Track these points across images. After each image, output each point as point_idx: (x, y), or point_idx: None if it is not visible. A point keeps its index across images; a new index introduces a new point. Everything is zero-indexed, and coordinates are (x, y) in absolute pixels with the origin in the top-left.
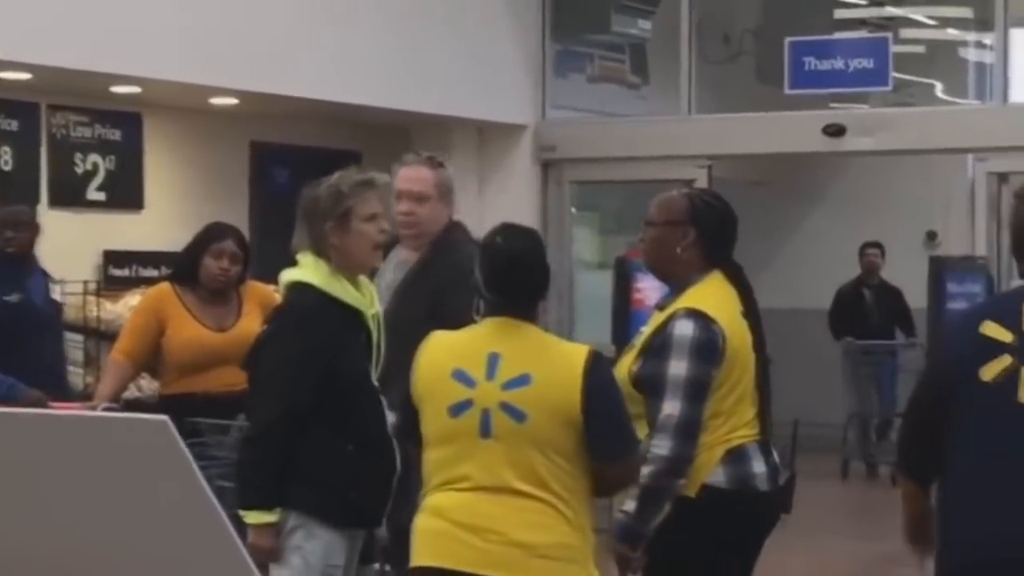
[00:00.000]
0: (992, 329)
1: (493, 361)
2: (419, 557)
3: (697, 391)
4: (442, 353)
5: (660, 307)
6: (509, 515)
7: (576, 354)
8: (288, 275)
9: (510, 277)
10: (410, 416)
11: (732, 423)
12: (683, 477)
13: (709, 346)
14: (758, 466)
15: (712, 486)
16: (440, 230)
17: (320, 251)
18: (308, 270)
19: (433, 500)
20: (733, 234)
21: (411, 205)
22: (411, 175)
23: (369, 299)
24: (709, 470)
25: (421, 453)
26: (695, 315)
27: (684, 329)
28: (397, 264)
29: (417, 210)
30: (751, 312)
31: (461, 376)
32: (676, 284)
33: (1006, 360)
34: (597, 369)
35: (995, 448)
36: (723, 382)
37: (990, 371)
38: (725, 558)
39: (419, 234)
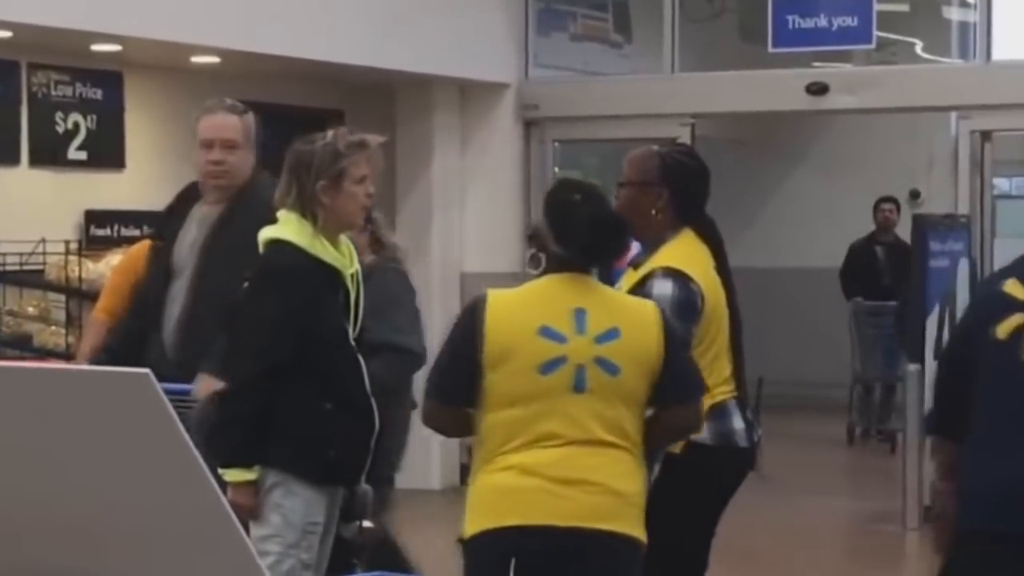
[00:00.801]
0: (1013, 287)
1: (580, 316)
2: (515, 515)
3: None
4: (520, 311)
5: (634, 265)
6: (605, 466)
7: (647, 306)
8: (267, 232)
9: (602, 238)
10: (462, 377)
11: (712, 380)
12: None
13: (688, 305)
14: (737, 422)
15: (697, 442)
16: (245, 180)
17: (307, 209)
18: (288, 227)
19: (519, 459)
20: (706, 190)
21: (222, 153)
22: (220, 123)
23: (348, 258)
24: None
25: (454, 413)
26: (673, 274)
27: (663, 289)
28: (200, 220)
29: (228, 158)
30: (723, 269)
31: (549, 333)
32: (649, 242)
33: (1019, 318)
34: (667, 318)
35: (1005, 405)
36: (701, 340)
37: (1004, 328)
38: (706, 511)
39: (228, 184)
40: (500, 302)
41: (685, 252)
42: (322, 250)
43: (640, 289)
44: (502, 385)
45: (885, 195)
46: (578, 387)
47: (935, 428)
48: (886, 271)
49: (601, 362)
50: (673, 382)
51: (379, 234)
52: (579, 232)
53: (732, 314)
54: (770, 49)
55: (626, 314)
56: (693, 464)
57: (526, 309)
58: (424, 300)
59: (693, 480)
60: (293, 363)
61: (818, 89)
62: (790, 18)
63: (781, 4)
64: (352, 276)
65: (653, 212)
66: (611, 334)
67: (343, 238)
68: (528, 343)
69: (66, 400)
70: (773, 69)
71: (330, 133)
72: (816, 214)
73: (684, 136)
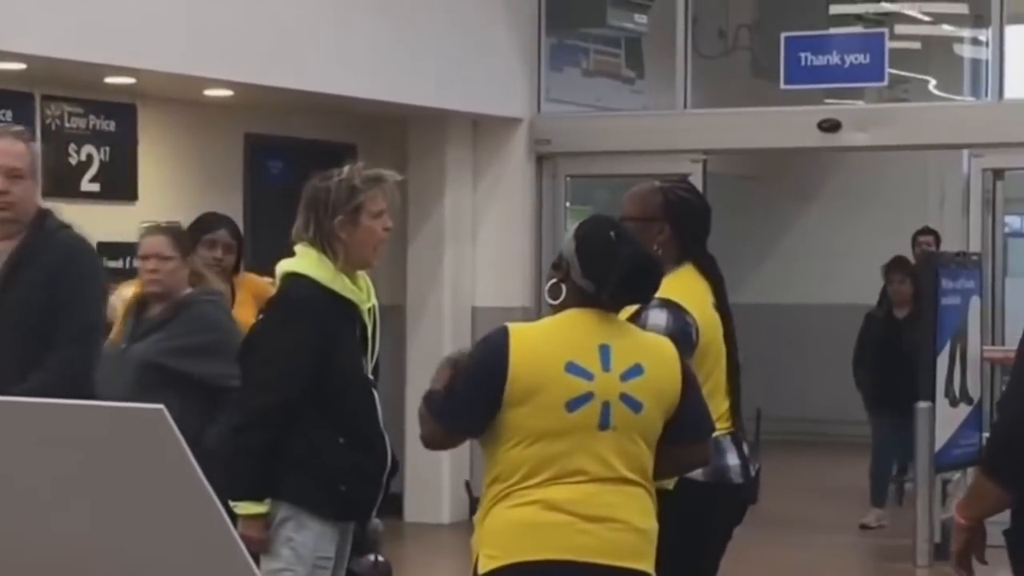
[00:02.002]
0: None
1: (605, 352)
2: (537, 551)
3: None
4: (545, 347)
5: None
6: (626, 503)
7: (665, 343)
8: (285, 265)
9: (638, 280)
10: (477, 409)
11: None
12: None
13: (682, 337)
14: (732, 458)
15: (689, 478)
16: (34, 215)
17: (325, 244)
18: (305, 261)
19: (541, 494)
20: (707, 226)
21: (6, 183)
22: (6, 148)
23: (365, 293)
24: None
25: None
26: (668, 305)
27: (657, 319)
28: None
29: (13, 188)
30: (722, 304)
31: (576, 369)
32: None
33: None
34: (683, 355)
35: None
36: (695, 374)
37: None
38: (699, 549)
39: (14, 218)
40: (524, 337)
41: (683, 286)
42: (340, 284)
43: (635, 320)
44: (527, 421)
45: (924, 227)
46: (604, 424)
47: (990, 469)
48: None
49: (626, 399)
50: (690, 420)
51: (197, 268)
52: (613, 271)
53: (730, 351)
54: (782, 86)
55: (648, 350)
56: (685, 501)
57: (551, 345)
58: (435, 334)
59: (686, 517)
60: (307, 397)
61: (830, 126)
62: (802, 55)
63: (793, 41)
64: (369, 311)
65: (654, 247)
66: (635, 371)
67: (361, 273)
68: (555, 379)
69: (80, 435)
70: (785, 106)
71: (347, 168)
72: (828, 250)
73: (696, 172)
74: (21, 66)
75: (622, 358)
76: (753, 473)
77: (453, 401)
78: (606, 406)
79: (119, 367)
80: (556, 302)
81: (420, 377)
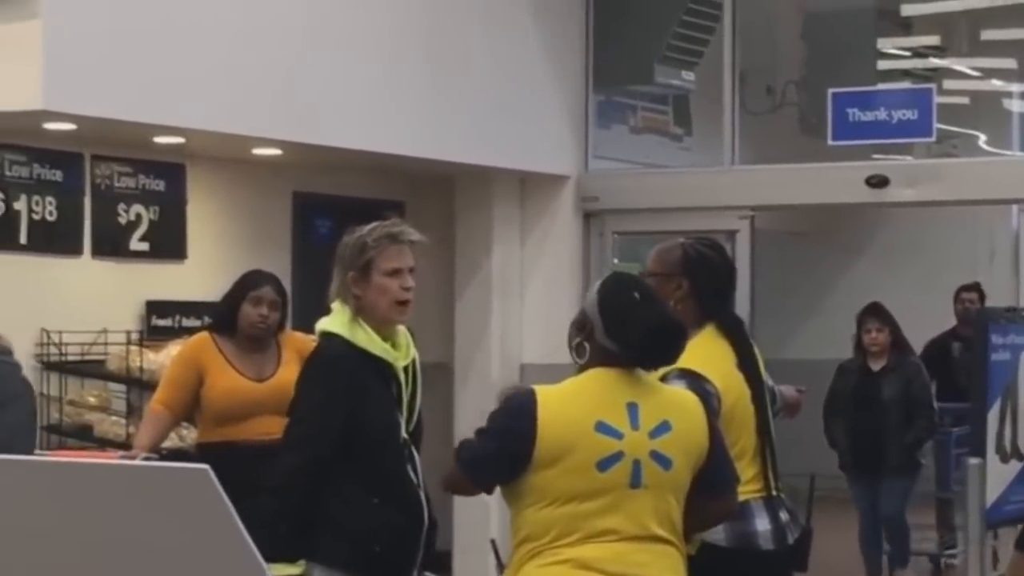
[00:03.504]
0: None
1: (633, 411)
2: None
3: None
4: (574, 407)
5: None
6: (658, 561)
7: (691, 397)
8: (320, 324)
9: (661, 343)
10: (503, 468)
11: None
12: None
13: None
14: (761, 523)
15: (711, 544)
16: None
17: (345, 300)
18: (337, 319)
19: (573, 553)
20: (730, 284)
21: None
22: None
23: (404, 351)
24: None
25: (481, 491)
26: (687, 375)
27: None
28: None
29: None
30: (747, 366)
31: (606, 428)
32: None
33: None
34: (708, 408)
35: None
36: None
37: None
38: None
39: None
40: (551, 399)
41: (703, 351)
42: (367, 341)
43: None
44: (558, 482)
45: (968, 283)
46: (635, 483)
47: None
48: (963, 370)
49: (656, 456)
50: (717, 473)
51: None
52: (637, 334)
53: (760, 412)
54: (830, 142)
55: (675, 407)
56: (708, 567)
57: (580, 405)
58: (483, 391)
59: None
60: (339, 456)
61: (878, 182)
62: (850, 111)
63: (841, 97)
64: (406, 369)
65: (672, 303)
66: (664, 427)
67: (401, 330)
68: (585, 440)
69: (127, 494)
70: (833, 162)
71: (371, 225)
72: None
73: (744, 228)
74: (71, 126)
75: (650, 415)
76: (793, 539)
77: (481, 455)
78: (637, 464)
79: None
80: (582, 361)
81: (468, 435)
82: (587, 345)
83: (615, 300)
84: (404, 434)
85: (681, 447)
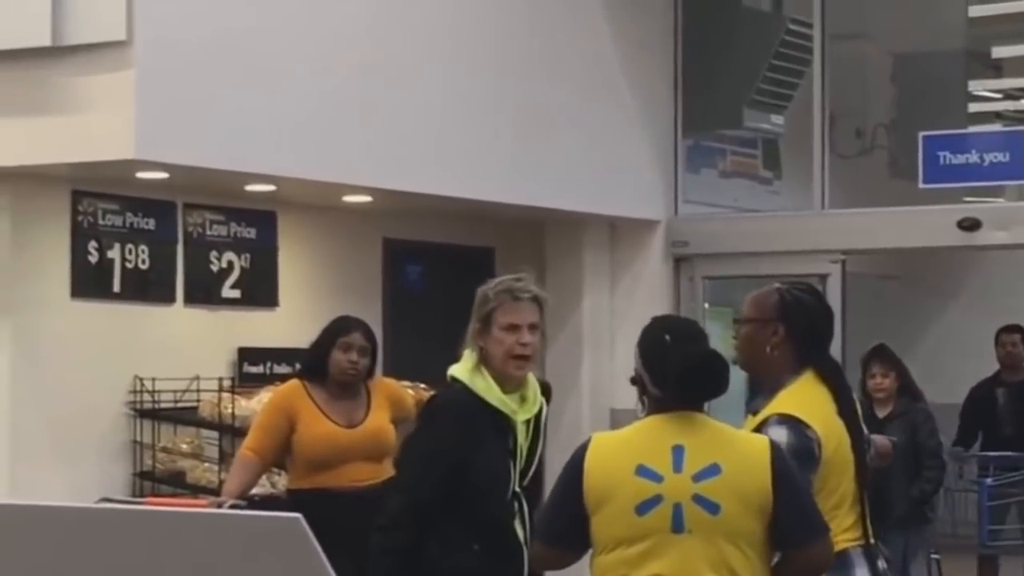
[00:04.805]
0: None
1: (678, 454)
2: None
3: None
4: (618, 453)
5: (754, 412)
6: None
7: (758, 441)
8: (450, 368)
9: (695, 378)
10: (564, 521)
11: (834, 528)
12: None
13: (805, 452)
14: (861, 572)
15: None
16: None
17: (472, 348)
18: (462, 366)
19: None
20: (827, 330)
21: None
22: None
23: (529, 404)
24: None
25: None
26: (788, 421)
27: (778, 436)
28: None
29: None
30: (847, 412)
31: (646, 472)
32: (768, 384)
33: None
34: (781, 455)
35: None
36: (821, 487)
37: None
38: None
39: None
40: (601, 445)
41: (803, 397)
42: (485, 389)
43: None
44: (604, 528)
45: (1008, 324)
46: (677, 527)
47: None
48: (1008, 419)
49: (700, 500)
50: (789, 521)
51: None
52: (672, 376)
53: (859, 459)
54: (920, 185)
55: (730, 449)
56: None
57: (625, 450)
58: (575, 438)
59: None
60: (445, 499)
61: (970, 225)
62: (941, 154)
63: (932, 140)
64: (525, 422)
65: (768, 349)
66: (711, 471)
67: (531, 381)
68: (625, 484)
69: (220, 543)
70: (924, 205)
71: (499, 278)
72: (969, 349)
73: (835, 272)
74: (164, 175)
75: (696, 458)
76: None
77: (544, 514)
78: (677, 508)
79: None
80: (644, 414)
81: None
82: (644, 399)
83: (650, 349)
84: (516, 487)
85: (731, 491)
